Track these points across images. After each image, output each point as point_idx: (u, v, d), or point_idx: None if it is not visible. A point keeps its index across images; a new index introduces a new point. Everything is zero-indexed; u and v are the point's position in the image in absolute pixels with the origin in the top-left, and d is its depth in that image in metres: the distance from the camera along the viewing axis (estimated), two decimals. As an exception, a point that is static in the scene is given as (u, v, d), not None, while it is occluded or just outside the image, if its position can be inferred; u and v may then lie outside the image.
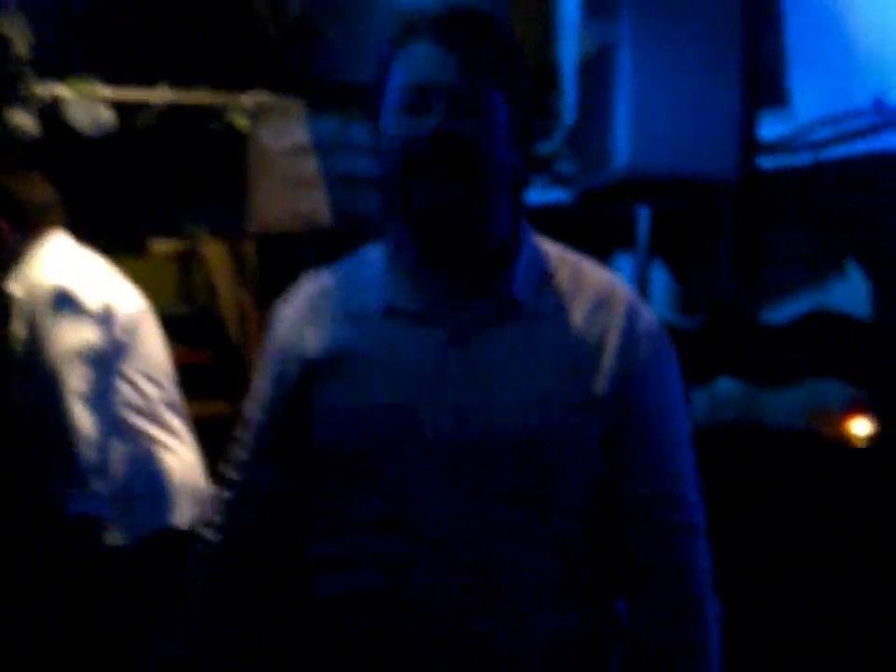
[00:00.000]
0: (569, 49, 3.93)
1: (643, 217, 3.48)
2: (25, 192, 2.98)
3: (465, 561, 1.60)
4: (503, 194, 1.70)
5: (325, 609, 1.68)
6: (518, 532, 1.61)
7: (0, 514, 2.90)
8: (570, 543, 1.64)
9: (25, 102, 3.57)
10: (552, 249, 1.78)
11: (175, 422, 3.01)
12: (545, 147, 4.07)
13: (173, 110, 3.91)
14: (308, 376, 1.71)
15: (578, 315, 1.69)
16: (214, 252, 4.55)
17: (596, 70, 3.34)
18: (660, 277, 4.37)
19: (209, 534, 1.79)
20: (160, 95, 3.88)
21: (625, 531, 1.66)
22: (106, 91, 3.78)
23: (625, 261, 4.18)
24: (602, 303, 1.70)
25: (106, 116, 3.74)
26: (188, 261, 4.80)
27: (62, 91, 3.70)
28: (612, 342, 1.67)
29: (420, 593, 1.60)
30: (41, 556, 2.83)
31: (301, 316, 1.77)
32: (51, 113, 3.67)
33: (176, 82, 3.92)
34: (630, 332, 1.68)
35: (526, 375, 1.64)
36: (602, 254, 4.39)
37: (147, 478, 2.92)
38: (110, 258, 3.07)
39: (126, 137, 3.83)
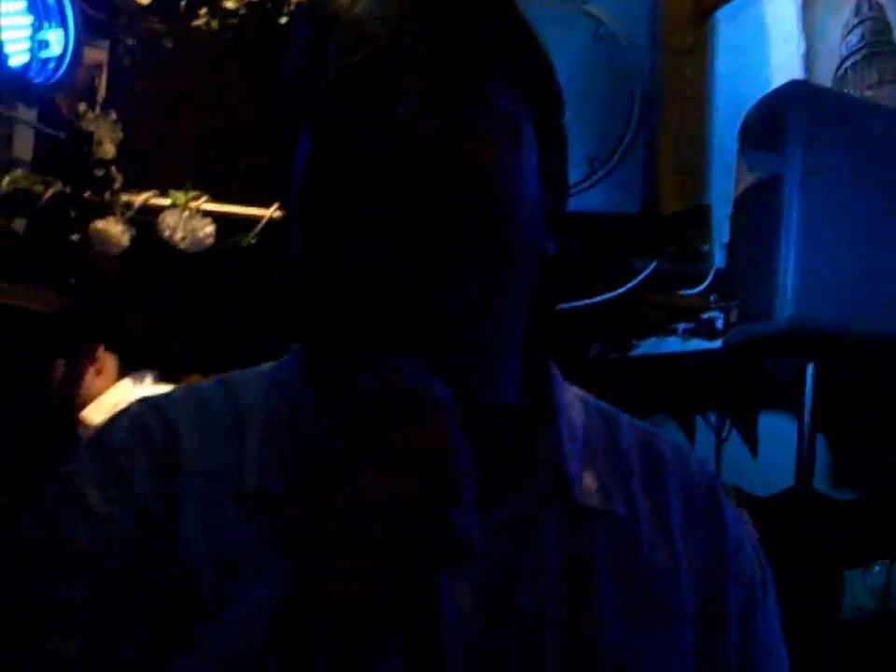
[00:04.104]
0: (720, 185, 3.55)
1: (809, 375, 2.96)
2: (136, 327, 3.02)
3: None
4: (523, 297, 0.92)
5: None
6: None
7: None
8: None
9: (113, 209, 3.28)
10: (572, 391, 1.05)
11: None
12: (689, 293, 3.65)
13: (280, 226, 3.59)
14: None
15: (660, 512, 1.00)
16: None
17: (756, 206, 2.91)
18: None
19: None
20: (267, 211, 3.57)
21: None
22: (208, 205, 3.47)
23: (774, 423, 3.81)
24: (695, 501, 1.03)
25: (206, 229, 3.43)
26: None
27: (156, 199, 3.40)
28: (725, 574, 1.01)
29: None
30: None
31: (154, 476, 0.95)
32: (144, 223, 3.37)
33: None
34: (742, 553, 1.04)
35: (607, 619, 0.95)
36: (749, 412, 3.98)
37: None
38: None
39: (229, 253, 3.52)
